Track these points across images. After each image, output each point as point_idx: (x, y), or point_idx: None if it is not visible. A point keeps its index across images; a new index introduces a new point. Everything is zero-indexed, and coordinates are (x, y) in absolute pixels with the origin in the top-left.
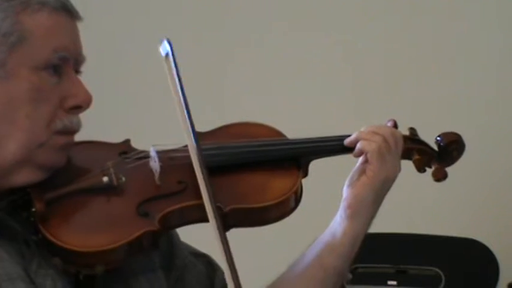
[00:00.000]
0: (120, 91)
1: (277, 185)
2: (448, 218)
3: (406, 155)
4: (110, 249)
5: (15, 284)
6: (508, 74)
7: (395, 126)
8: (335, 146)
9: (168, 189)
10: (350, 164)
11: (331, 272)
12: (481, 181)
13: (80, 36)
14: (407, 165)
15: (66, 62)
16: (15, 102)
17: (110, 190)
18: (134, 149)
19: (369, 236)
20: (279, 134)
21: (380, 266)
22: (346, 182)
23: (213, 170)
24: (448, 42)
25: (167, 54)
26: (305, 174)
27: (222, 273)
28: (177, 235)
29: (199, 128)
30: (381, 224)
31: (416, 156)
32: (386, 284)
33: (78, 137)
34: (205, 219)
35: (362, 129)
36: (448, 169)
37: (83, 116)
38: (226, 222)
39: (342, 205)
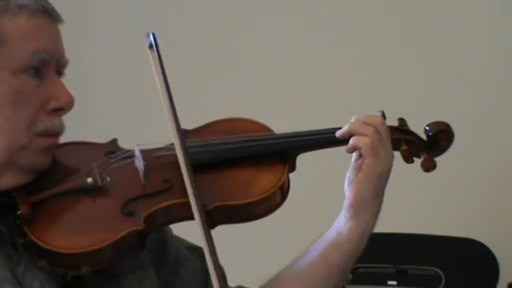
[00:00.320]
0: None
1: (262, 180)
2: (448, 218)
3: (394, 145)
4: (94, 250)
5: (2, 287)
6: (508, 75)
7: (383, 117)
8: (320, 140)
9: (153, 188)
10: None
11: (335, 269)
12: (481, 181)
13: (62, 37)
14: (407, 165)
15: (46, 65)
16: None
17: (95, 191)
18: (121, 149)
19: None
20: (265, 129)
21: (380, 266)
22: (346, 181)
23: (198, 167)
24: (451, 39)
25: (151, 46)
26: (292, 169)
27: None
28: (169, 231)
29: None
30: (381, 224)
31: (404, 147)
32: (386, 284)
33: (66, 138)
34: (191, 217)
35: (352, 120)
36: (448, 169)
37: (71, 116)
38: (211, 219)
39: (345, 204)
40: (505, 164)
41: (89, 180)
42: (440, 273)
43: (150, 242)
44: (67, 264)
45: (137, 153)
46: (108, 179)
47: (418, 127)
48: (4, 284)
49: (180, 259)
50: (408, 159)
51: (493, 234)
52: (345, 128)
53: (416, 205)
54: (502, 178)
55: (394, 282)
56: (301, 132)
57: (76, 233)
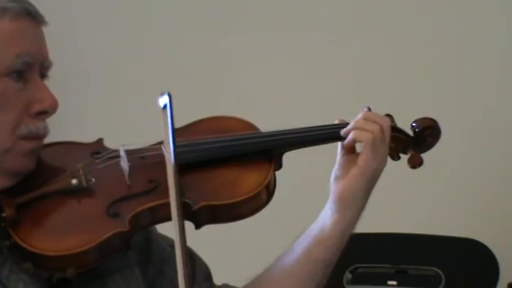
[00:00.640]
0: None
1: (248, 179)
2: (448, 218)
3: None
4: (79, 252)
5: None
6: (508, 75)
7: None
8: (306, 137)
9: (138, 189)
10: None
11: (320, 264)
12: (481, 181)
13: (46, 40)
14: (407, 166)
15: (30, 67)
16: None
17: (80, 192)
18: (107, 149)
19: (369, 236)
20: (251, 127)
21: (380, 266)
22: (333, 175)
23: (183, 167)
24: (451, 39)
25: (165, 107)
26: (278, 167)
27: (204, 263)
28: (154, 229)
29: None
30: (381, 224)
31: (390, 144)
32: (386, 284)
33: (55, 138)
34: None
35: (359, 116)
36: (448, 169)
37: (58, 115)
38: (197, 219)
39: (332, 198)
40: (505, 164)
41: (74, 181)
42: (440, 273)
43: (135, 242)
44: (52, 266)
45: (122, 153)
46: (93, 179)
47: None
48: None
49: (165, 258)
50: (394, 157)
51: (493, 234)
52: (351, 125)
53: (417, 205)
54: (502, 178)
55: (394, 282)
56: (286, 130)
57: (61, 235)
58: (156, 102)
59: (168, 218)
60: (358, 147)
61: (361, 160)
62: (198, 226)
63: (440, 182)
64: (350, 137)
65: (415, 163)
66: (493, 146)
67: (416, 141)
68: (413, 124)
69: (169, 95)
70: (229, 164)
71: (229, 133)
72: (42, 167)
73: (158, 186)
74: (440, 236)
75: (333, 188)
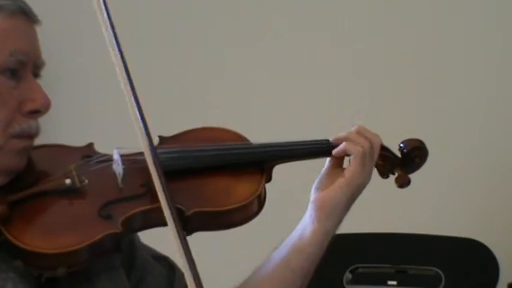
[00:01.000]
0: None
1: (241, 188)
2: (448, 218)
3: None
4: (72, 251)
5: None
6: (508, 75)
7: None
8: (298, 151)
9: (130, 192)
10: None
11: (298, 273)
12: (481, 181)
13: (39, 39)
14: None
15: (24, 66)
16: None
17: (72, 192)
18: (97, 153)
19: (369, 236)
20: (241, 138)
21: (380, 266)
22: (315, 185)
23: (177, 173)
24: (450, 40)
25: None
26: (268, 179)
27: (182, 274)
28: (137, 236)
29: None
30: (381, 224)
31: (379, 162)
32: (386, 284)
33: (42, 140)
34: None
35: (353, 128)
36: (448, 169)
37: (47, 118)
38: (189, 225)
39: (313, 206)
40: (505, 164)
41: (67, 181)
42: (440, 273)
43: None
44: (43, 264)
45: (116, 156)
46: (86, 181)
47: (423, 130)
48: None
49: (147, 268)
50: (384, 174)
51: (493, 234)
52: (343, 134)
53: (416, 205)
54: (502, 178)
55: (394, 282)
56: (279, 143)
57: (53, 233)
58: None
59: (160, 223)
60: (345, 164)
61: (348, 172)
62: (189, 232)
63: (440, 182)
64: (341, 147)
65: (403, 183)
66: (493, 146)
67: (404, 161)
68: (401, 145)
69: None
70: (222, 172)
71: (222, 142)
72: (33, 167)
73: (151, 191)
74: (440, 236)
75: (315, 197)
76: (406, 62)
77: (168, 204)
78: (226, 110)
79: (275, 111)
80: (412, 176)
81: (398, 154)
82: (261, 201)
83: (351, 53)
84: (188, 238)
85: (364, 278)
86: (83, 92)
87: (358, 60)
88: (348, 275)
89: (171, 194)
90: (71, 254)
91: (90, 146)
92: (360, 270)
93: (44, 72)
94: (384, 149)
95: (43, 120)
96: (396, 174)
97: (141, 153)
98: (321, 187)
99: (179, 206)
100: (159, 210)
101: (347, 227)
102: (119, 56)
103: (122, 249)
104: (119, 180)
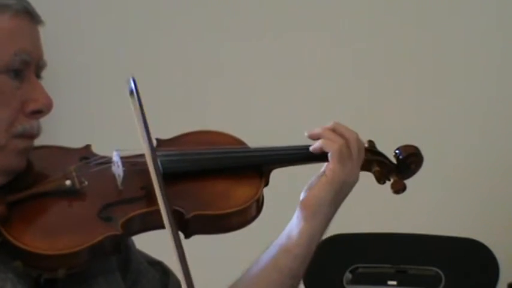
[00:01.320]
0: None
1: (240, 192)
2: (448, 218)
3: (367, 166)
4: (73, 253)
5: None
6: (508, 76)
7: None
8: (296, 155)
9: (130, 194)
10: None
11: (286, 273)
12: (481, 181)
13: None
14: None
15: (27, 66)
16: None
17: (72, 194)
18: (95, 154)
19: (369, 236)
20: (239, 142)
21: (380, 266)
22: (305, 188)
23: (176, 176)
24: (451, 40)
25: (131, 92)
26: (266, 183)
27: (176, 279)
28: (132, 240)
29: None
30: (381, 224)
31: (376, 168)
32: (386, 284)
33: (42, 141)
34: None
35: (329, 125)
36: (448, 169)
37: (47, 119)
38: (188, 228)
39: (299, 206)
40: (505, 164)
41: (68, 182)
42: (440, 273)
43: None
44: (43, 266)
45: (116, 158)
46: (86, 182)
47: (423, 129)
48: None
49: (142, 271)
50: (380, 180)
51: (493, 234)
52: (318, 130)
53: (416, 205)
54: (502, 178)
55: (394, 282)
56: (277, 147)
57: (53, 235)
58: (149, 105)
59: (159, 225)
60: None
61: (328, 170)
62: (187, 235)
63: (440, 182)
64: (317, 144)
65: (399, 188)
66: (493, 146)
67: (399, 167)
68: (397, 151)
69: (134, 80)
70: (221, 176)
71: (221, 146)
72: (32, 168)
73: (150, 193)
74: (440, 236)
75: (301, 197)
76: (406, 62)
77: (166, 207)
78: (226, 109)
79: (275, 111)
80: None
81: (394, 160)
82: (259, 205)
83: (351, 53)
84: (186, 241)
85: (364, 278)
86: (82, 92)
87: (358, 61)
88: (348, 275)
89: (171, 197)
90: (71, 256)
91: (88, 147)
92: (360, 270)
93: (44, 73)
94: (379, 154)
95: (43, 121)
96: (392, 180)
97: (141, 156)
98: (309, 187)
99: (179, 208)
100: (159, 212)
101: (347, 227)
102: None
103: (122, 251)
104: (119, 182)
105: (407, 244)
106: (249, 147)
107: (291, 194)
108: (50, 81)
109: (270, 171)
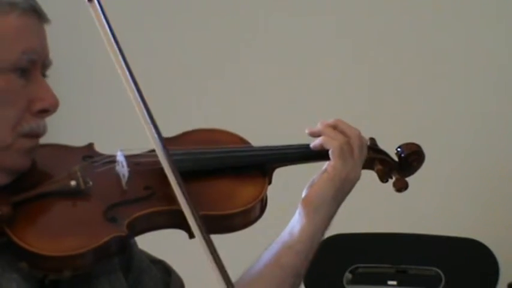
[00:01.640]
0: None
1: (245, 192)
2: (448, 218)
3: (369, 164)
4: (78, 254)
5: None
6: (508, 76)
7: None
8: (300, 154)
9: (134, 195)
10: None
11: (288, 270)
12: (481, 181)
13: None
14: None
15: (34, 65)
16: None
17: (77, 194)
18: (98, 153)
19: (369, 236)
20: (242, 141)
21: (380, 266)
22: (307, 185)
23: (181, 175)
24: (451, 39)
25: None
26: (269, 182)
27: (178, 277)
28: (134, 239)
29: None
30: (381, 224)
31: (378, 166)
32: (386, 284)
33: (44, 140)
34: (173, 225)
35: (330, 121)
36: (449, 169)
37: (49, 117)
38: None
39: (301, 203)
40: (505, 164)
41: (73, 183)
42: (440, 273)
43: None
44: (49, 267)
45: (120, 158)
46: (91, 183)
47: (422, 129)
48: None
49: (144, 269)
50: (383, 178)
51: (493, 234)
52: (317, 128)
53: (416, 205)
54: (502, 178)
55: (394, 282)
56: (279, 145)
57: (59, 236)
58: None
59: (164, 225)
60: None
61: (329, 167)
62: (192, 235)
63: (440, 182)
64: (317, 141)
65: (401, 187)
66: (493, 146)
67: (401, 165)
68: (399, 149)
69: None
70: (225, 176)
71: (224, 145)
72: (36, 168)
73: (155, 193)
74: (440, 236)
75: (303, 194)
76: (408, 60)
77: (191, 209)
78: (226, 109)
79: (274, 111)
80: (411, 176)
81: (396, 158)
82: (263, 204)
83: (352, 51)
84: (189, 241)
85: (364, 278)
86: (85, 91)
87: (360, 58)
88: (348, 275)
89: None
90: (77, 257)
91: (90, 146)
92: (360, 270)
93: (48, 72)
94: (381, 152)
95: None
96: (394, 178)
97: (144, 155)
98: (311, 185)
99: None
100: (164, 212)
101: (347, 227)
102: (119, 55)
103: (126, 251)
104: (123, 183)
105: (407, 244)
106: (252, 146)
107: (291, 194)
108: (52, 79)
109: (273, 170)
